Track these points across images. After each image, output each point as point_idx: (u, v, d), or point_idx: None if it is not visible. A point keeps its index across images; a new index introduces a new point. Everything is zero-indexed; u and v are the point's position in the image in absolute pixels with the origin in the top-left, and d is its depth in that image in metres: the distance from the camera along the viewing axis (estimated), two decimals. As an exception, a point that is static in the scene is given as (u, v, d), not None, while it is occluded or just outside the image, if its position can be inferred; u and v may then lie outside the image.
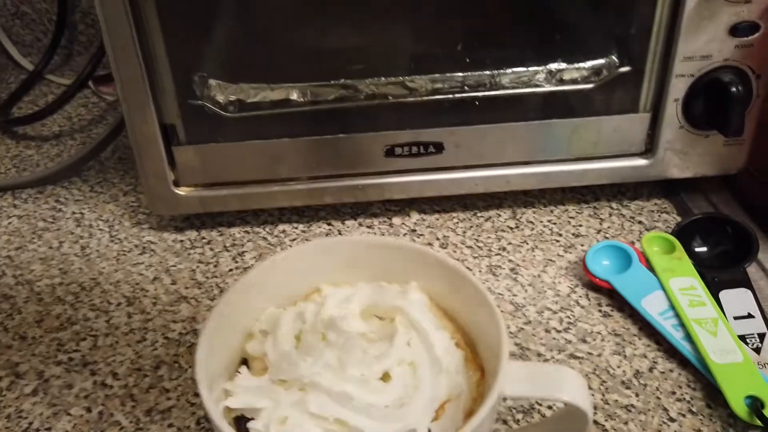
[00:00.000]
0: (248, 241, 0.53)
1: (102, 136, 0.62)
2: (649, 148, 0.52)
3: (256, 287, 0.32)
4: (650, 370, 0.41)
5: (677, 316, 0.43)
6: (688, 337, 0.41)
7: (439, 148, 0.51)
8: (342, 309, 0.30)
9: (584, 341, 0.44)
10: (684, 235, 0.49)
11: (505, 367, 0.26)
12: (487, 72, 0.49)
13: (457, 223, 0.55)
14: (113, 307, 0.47)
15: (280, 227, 0.55)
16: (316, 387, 0.27)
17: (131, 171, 0.64)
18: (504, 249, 0.52)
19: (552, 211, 0.56)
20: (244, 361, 0.31)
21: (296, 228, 0.55)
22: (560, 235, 0.53)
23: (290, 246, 0.53)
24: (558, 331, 0.44)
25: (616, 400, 0.39)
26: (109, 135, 0.62)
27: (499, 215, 0.56)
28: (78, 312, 0.47)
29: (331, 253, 0.33)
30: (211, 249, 0.53)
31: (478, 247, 0.52)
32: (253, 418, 0.27)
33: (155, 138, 0.48)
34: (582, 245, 0.52)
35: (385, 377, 0.28)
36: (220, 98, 0.49)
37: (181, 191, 0.51)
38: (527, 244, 0.52)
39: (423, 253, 0.33)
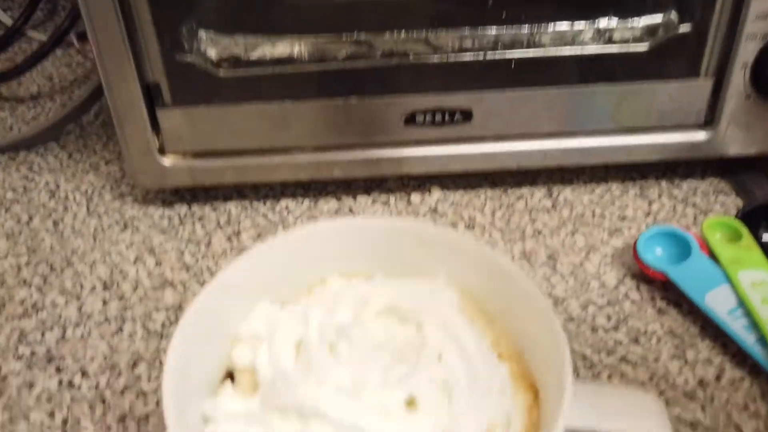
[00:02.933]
0: (246, 218, 0.48)
1: (83, 96, 0.56)
2: (709, 120, 0.46)
3: (248, 277, 0.26)
4: (717, 378, 0.36)
5: (748, 315, 0.37)
6: (763, 340, 0.36)
7: (467, 115, 0.45)
8: (357, 312, 0.25)
9: (637, 342, 0.38)
10: (749, 221, 0.44)
11: (569, 395, 0.20)
12: (526, 28, 0.44)
13: (485, 201, 0.50)
14: (87, 291, 0.42)
15: (283, 203, 0.50)
16: (322, 417, 0.21)
17: (116, 137, 0.58)
18: (539, 232, 0.47)
19: (593, 190, 0.51)
20: (230, 374, 0.26)
21: (301, 204, 0.49)
22: (603, 217, 0.48)
23: (294, 224, 0.48)
24: (606, 330, 0.39)
25: (679, 416, 0.34)
26: (91, 95, 0.57)
27: (533, 194, 0.50)
28: (46, 297, 0.42)
29: (342, 238, 0.28)
30: (203, 227, 0.48)
31: (510, 229, 0.47)
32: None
33: (136, 99, 0.43)
34: (629, 229, 0.47)
35: (411, 403, 0.23)
36: (212, 53, 0.43)
37: (168, 161, 0.46)
38: (566, 227, 0.47)
39: (456, 241, 0.27)
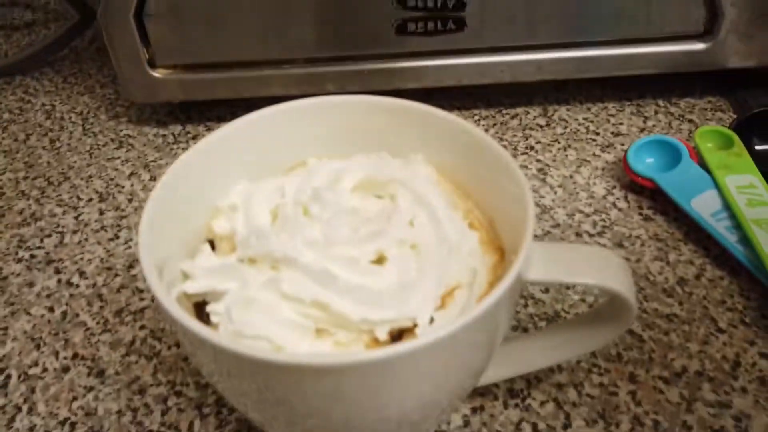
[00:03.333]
0: (239, 136, 0.51)
1: (76, 19, 0.59)
2: (708, 29, 0.48)
3: (225, 152, 0.29)
4: (697, 277, 0.38)
5: (732, 217, 0.39)
6: (745, 240, 0.38)
7: (459, 23, 0.47)
8: (333, 183, 0.27)
9: (621, 246, 0.41)
10: (743, 131, 0.45)
11: (529, 243, 0.23)
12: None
13: (479, 120, 0.52)
14: (83, 203, 0.45)
15: (276, 122, 0.52)
16: (291, 264, 0.24)
17: (110, 62, 0.61)
18: (532, 148, 0.49)
19: (589, 109, 0.52)
20: (211, 245, 0.28)
21: (294, 123, 0.52)
22: (597, 134, 0.50)
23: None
24: (591, 235, 0.41)
25: (656, 309, 0.37)
26: (83, 19, 0.59)
27: (528, 113, 0.52)
28: (44, 207, 0.45)
29: (320, 115, 0.30)
30: (197, 144, 0.50)
31: (502, 146, 0.49)
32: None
33: (124, 6, 0.44)
34: (622, 144, 0.49)
35: (380, 260, 0.25)
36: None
37: (158, 73, 0.48)
38: (559, 143, 0.49)
39: (433, 115, 0.29)
